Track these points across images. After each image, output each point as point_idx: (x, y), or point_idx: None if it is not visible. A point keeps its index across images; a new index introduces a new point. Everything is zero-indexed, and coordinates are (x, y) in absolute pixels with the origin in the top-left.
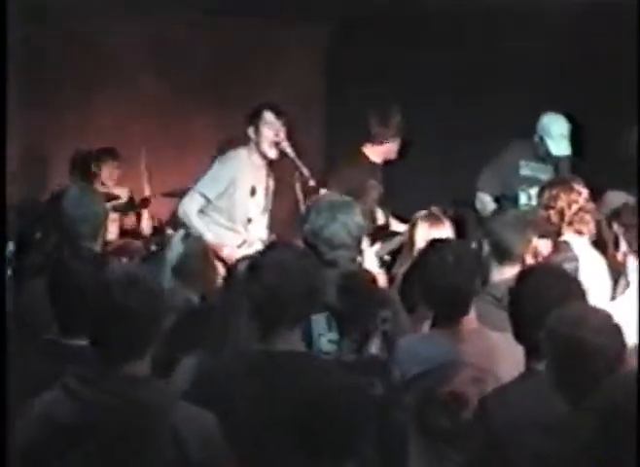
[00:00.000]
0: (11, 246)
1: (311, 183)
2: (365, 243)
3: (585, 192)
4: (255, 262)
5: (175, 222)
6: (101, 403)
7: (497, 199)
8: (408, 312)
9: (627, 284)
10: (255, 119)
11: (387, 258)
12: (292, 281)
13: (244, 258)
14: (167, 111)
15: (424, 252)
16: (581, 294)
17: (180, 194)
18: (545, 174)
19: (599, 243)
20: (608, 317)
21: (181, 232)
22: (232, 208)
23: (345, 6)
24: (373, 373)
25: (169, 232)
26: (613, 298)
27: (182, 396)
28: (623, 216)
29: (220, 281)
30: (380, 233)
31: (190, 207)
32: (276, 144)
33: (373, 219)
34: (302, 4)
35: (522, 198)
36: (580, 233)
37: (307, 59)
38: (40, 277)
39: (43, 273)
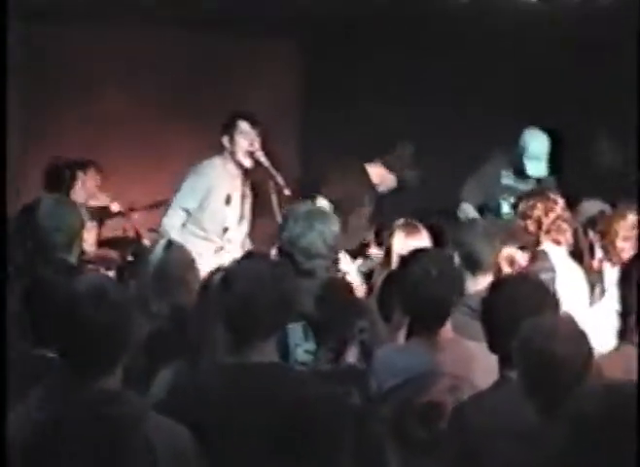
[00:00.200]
0: None
1: (286, 192)
2: (347, 258)
3: (561, 201)
4: (228, 272)
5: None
6: (72, 417)
7: (480, 209)
8: (384, 321)
9: (603, 291)
10: (229, 128)
11: (365, 269)
12: (264, 291)
13: (219, 268)
14: (144, 123)
15: (405, 262)
16: (553, 303)
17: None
18: (526, 184)
19: (576, 252)
20: (576, 327)
21: (163, 240)
22: (208, 218)
23: (317, 19)
24: (351, 382)
25: (145, 242)
26: (589, 305)
27: (156, 408)
28: (599, 224)
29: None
30: (363, 250)
31: (172, 223)
32: (251, 153)
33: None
34: (274, 17)
35: (504, 208)
36: (557, 242)
37: (282, 69)
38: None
39: (17, 285)
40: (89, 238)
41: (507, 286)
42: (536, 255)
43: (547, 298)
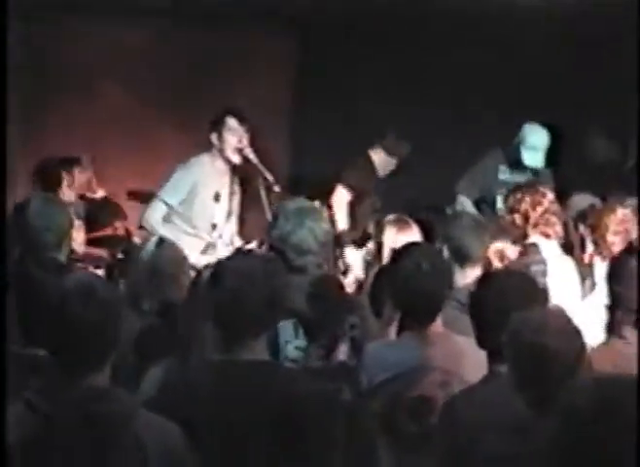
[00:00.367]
0: None
1: (276, 189)
2: (352, 251)
3: (550, 194)
4: (217, 268)
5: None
6: (61, 417)
7: (477, 203)
8: (376, 316)
9: (593, 285)
10: (218, 125)
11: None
12: (254, 287)
13: (209, 265)
14: (135, 119)
15: (396, 256)
16: (542, 297)
17: (146, 196)
18: (522, 177)
19: (567, 245)
20: (568, 321)
21: (154, 238)
22: (196, 214)
23: (314, 16)
24: (342, 379)
25: (136, 239)
26: (581, 298)
27: (147, 405)
28: (590, 218)
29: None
30: (367, 239)
31: (153, 217)
32: (240, 150)
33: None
34: (271, 14)
35: (500, 203)
36: (546, 235)
37: (273, 66)
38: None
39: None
40: (78, 237)
41: (494, 280)
42: (527, 248)
43: (535, 291)
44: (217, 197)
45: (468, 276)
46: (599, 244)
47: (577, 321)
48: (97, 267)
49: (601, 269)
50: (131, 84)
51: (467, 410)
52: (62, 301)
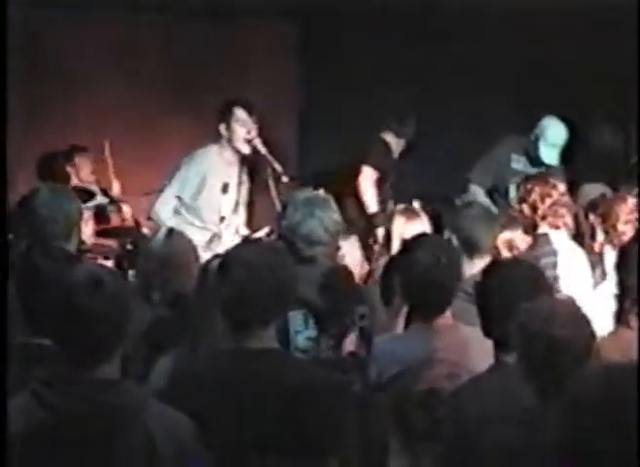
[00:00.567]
0: None
1: (284, 179)
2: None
3: (561, 186)
4: (225, 258)
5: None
6: (69, 408)
7: (489, 192)
8: (386, 306)
9: (603, 274)
10: (226, 116)
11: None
12: (260, 277)
13: (217, 255)
14: (140, 110)
15: (409, 247)
16: (548, 286)
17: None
18: (536, 170)
19: (577, 236)
20: (578, 311)
21: (163, 229)
22: (203, 206)
23: (319, 3)
24: (352, 370)
25: (145, 230)
26: (591, 288)
27: (157, 396)
28: (600, 207)
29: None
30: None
31: (164, 211)
32: (248, 141)
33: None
34: (275, 2)
35: (513, 192)
36: (555, 226)
37: (280, 57)
38: (13, 279)
39: (16, 275)
40: (87, 229)
41: (500, 269)
42: (537, 239)
43: (541, 280)
44: (225, 189)
45: (476, 267)
46: (610, 233)
47: (587, 311)
48: (106, 258)
49: (612, 258)
50: (136, 75)
51: (473, 400)
52: (70, 291)
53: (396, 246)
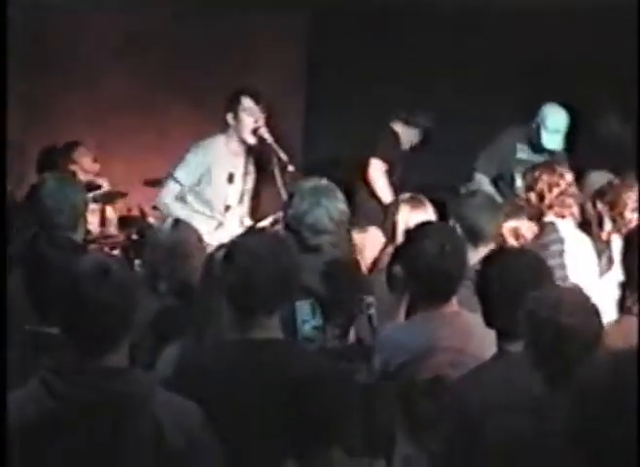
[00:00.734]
0: None
1: (290, 168)
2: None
3: (568, 175)
4: (230, 247)
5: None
6: (77, 396)
7: (495, 181)
8: (392, 294)
9: (610, 262)
10: (234, 105)
11: None
12: (264, 264)
13: (222, 245)
14: (146, 101)
15: (413, 235)
16: (549, 274)
17: (161, 182)
18: (540, 158)
19: (583, 225)
20: (585, 298)
21: (169, 219)
22: (210, 196)
23: None
24: (358, 359)
25: (150, 220)
26: (598, 276)
27: (163, 385)
28: (608, 195)
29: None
30: None
31: (167, 197)
32: (255, 130)
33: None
34: None
35: (519, 181)
36: (561, 216)
37: (287, 45)
38: (20, 268)
39: (23, 264)
40: (94, 220)
41: (500, 258)
42: (544, 227)
43: (542, 269)
44: (230, 179)
45: (481, 255)
46: (617, 221)
47: (594, 299)
48: (113, 248)
49: (619, 245)
50: (141, 63)
51: (475, 388)
52: (77, 280)
53: (401, 235)
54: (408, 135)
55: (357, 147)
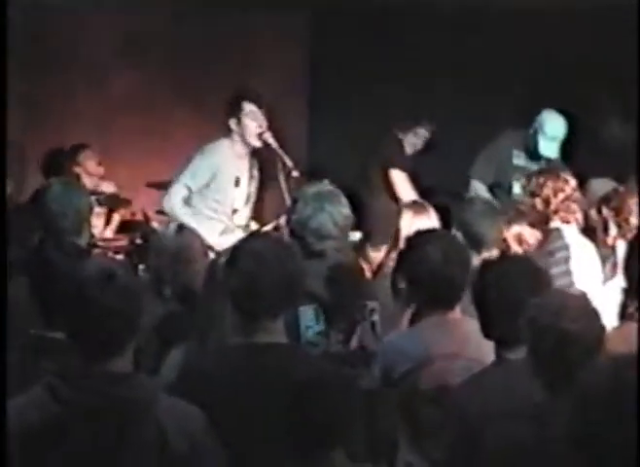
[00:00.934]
0: None
1: (295, 173)
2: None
3: (572, 181)
4: (234, 252)
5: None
6: (82, 401)
7: (491, 188)
8: (396, 300)
9: (615, 268)
10: (236, 110)
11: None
12: (267, 270)
13: (226, 249)
14: (148, 103)
15: (416, 243)
16: (546, 282)
17: (165, 185)
18: (537, 165)
19: (586, 231)
20: (587, 304)
21: (173, 224)
22: (217, 200)
23: None
24: (361, 364)
25: (154, 224)
26: (602, 282)
27: (167, 389)
28: (613, 201)
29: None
30: None
31: (174, 201)
32: (259, 135)
33: None
34: None
35: (516, 188)
36: (566, 221)
37: (288, 45)
38: (24, 273)
39: (28, 269)
40: (99, 224)
41: (496, 267)
42: (549, 233)
43: (539, 276)
44: (237, 182)
45: None
46: (622, 227)
47: (598, 305)
48: (117, 252)
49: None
50: (142, 66)
51: (476, 395)
52: (82, 285)
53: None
54: (411, 142)
55: (360, 148)
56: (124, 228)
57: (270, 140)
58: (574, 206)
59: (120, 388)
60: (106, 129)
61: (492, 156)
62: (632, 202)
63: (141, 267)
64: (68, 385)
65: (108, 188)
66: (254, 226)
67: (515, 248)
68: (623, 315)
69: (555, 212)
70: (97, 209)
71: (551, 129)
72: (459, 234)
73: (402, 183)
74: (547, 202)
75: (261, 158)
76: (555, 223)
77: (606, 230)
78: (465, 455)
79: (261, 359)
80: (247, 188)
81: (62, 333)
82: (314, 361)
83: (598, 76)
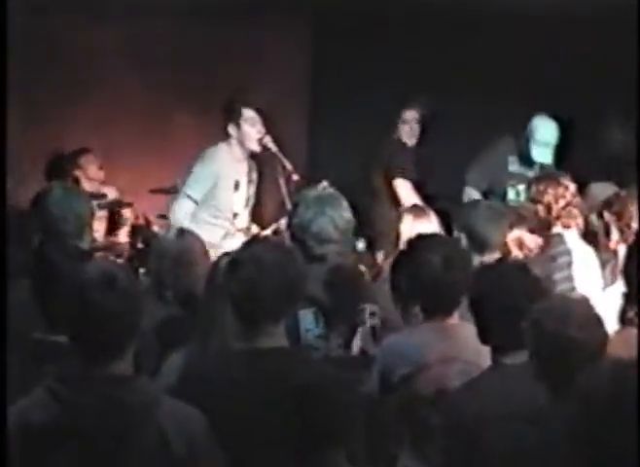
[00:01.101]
0: None
1: (295, 177)
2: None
3: (572, 186)
4: (235, 256)
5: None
6: (83, 404)
7: (485, 194)
8: (396, 304)
9: (614, 273)
10: (235, 116)
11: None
12: (268, 275)
13: (227, 253)
14: (149, 107)
15: (416, 247)
16: (542, 288)
17: (167, 191)
18: (532, 172)
19: (586, 236)
20: (591, 310)
21: (174, 228)
22: (218, 204)
23: (328, 4)
24: (362, 368)
25: (155, 228)
26: (603, 287)
27: (167, 392)
28: (615, 205)
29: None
30: None
31: (181, 213)
32: (259, 140)
33: None
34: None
35: (510, 194)
36: (567, 226)
37: (291, 50)
38: (25, 276)
39: (28, 272)
40: (100, 228)
41: (493, 273)
42: (551, 238)
43: (535, 282)
44: (237, 186)
45: None
46: (625, 231)
47: (599, 310)
48: (118, 256)
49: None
50: (144, 71)
51: (474, 400)
52: (83, 288)
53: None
54: (410, 131)
55: (361, 151)
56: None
57: (270, 144)
58: (575, 211)
59: (120, 391)
60: (106, 133)
61: (487, 162)
62: (634, 207)
63: (142, 270)
64: (69, 388)
65: (110, 192)
66: (255, 228)
67: (516, 252)
68: (623, 320)
69: (557, 218)
70: (99, 213)
71: (543, 136)
72: (463, 237)
73: (406, 192)
74: (548, 209)
75: (259, 160)
76: (557, 228)
77: (608, 234)
78: (464, 459)
79: (261, 362)
80: (246, 191)
81: (63, 336)
82: (315, 365)
83: (598, 76)
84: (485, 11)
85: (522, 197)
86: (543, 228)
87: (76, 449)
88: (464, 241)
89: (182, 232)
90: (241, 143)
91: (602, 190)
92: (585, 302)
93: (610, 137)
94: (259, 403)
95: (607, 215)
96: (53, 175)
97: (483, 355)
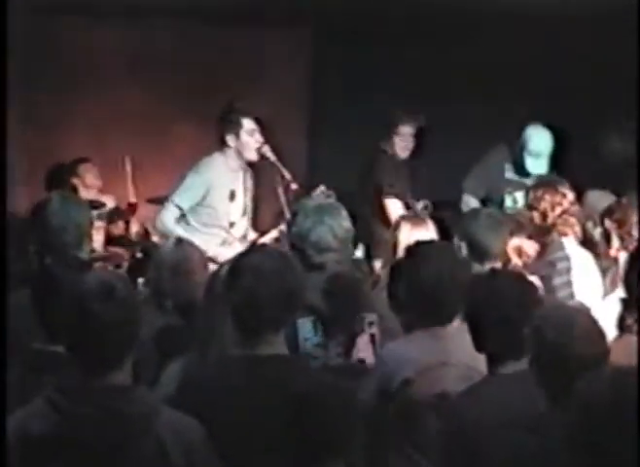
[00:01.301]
0: None
1: (293, 186)
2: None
3: (570, 194)
4: (234, 265)
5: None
6: (82, 414)
7: (483, 202)
8: (395, 313)
9: (613, 279)
10: (234, 126)
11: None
12: (268, 284)
13: (226, 262)
14: (149, 117)
15: (415, 255)
16: (537, 298)
17: (165, 200)
18: (529, 180)
19: (584, 244)
20: (593, 321)
21: (172, 238)
22: (213, 215)
23: (330, 7)
24: (360, 377)
25: (155, 238)
26: (602, 293)
27: (167, 402)
28: (616, 213)
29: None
30: None
31: (166, 218)
32: (258, 149)
33: None
34: (286, 5)
35: (508, 202)
36: (564, 234)
37: (291, 60)
38: (24, 286)
39: (27, 282)
40: (99, 238)
41: (488, 283)
42: (549, 244)
43: (531, 291)
44: (232, 196)
45: None
46: (625, 239)
47: (599, 317)
48: (117, 266)
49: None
50: (143, 80)
51: (473, 407)
52: (82, 298)
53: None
54: (404, 146)
55: (360, 161)
56: (124, 242)
57: (269, 153)
58: (572, 220)
59: (119, 401)
60: (106, 144)
61: (484, 170)
62: (634, 215)
63: (140, 280)
64: (68, 398)
65: (108, 201)
66: (252, 234)
67: (515, 260)
68: (622, 327)
69: (553, 225)
70: (97, 223)
71: (537, 145)
72: (463, 246)
73: (396, 212)
74: (544, 216)
75: (257, 169)
76: (553, 236)
77: (609, 241)
78: (463, 466)
79: (260, 371)
80: (243, 200)
81: (62, 346)
82: (314, 373)
83: (598, 76)
84: (485, 11)
85: (520, 204)
86: (539, 234)
87: (75, 459)
88: (465, 250)
89: (180, 241)
90: (239, 153)
91: (599, 197)
92: (584, 309)
93: (608, 145)
94: (258, 410)
95: (608, 222)
96: (52, 183)
97: (483, 359)
